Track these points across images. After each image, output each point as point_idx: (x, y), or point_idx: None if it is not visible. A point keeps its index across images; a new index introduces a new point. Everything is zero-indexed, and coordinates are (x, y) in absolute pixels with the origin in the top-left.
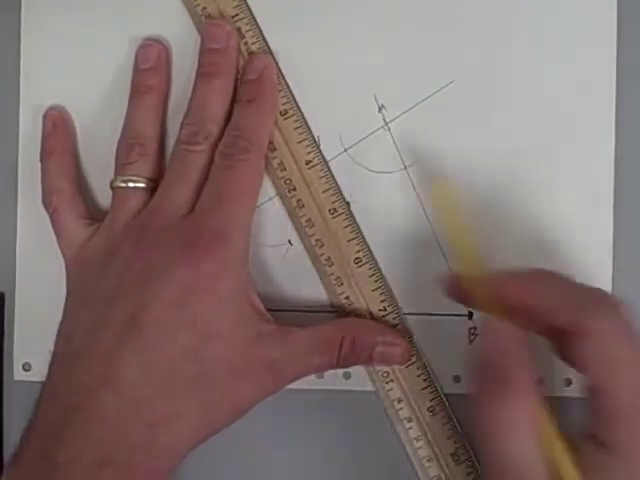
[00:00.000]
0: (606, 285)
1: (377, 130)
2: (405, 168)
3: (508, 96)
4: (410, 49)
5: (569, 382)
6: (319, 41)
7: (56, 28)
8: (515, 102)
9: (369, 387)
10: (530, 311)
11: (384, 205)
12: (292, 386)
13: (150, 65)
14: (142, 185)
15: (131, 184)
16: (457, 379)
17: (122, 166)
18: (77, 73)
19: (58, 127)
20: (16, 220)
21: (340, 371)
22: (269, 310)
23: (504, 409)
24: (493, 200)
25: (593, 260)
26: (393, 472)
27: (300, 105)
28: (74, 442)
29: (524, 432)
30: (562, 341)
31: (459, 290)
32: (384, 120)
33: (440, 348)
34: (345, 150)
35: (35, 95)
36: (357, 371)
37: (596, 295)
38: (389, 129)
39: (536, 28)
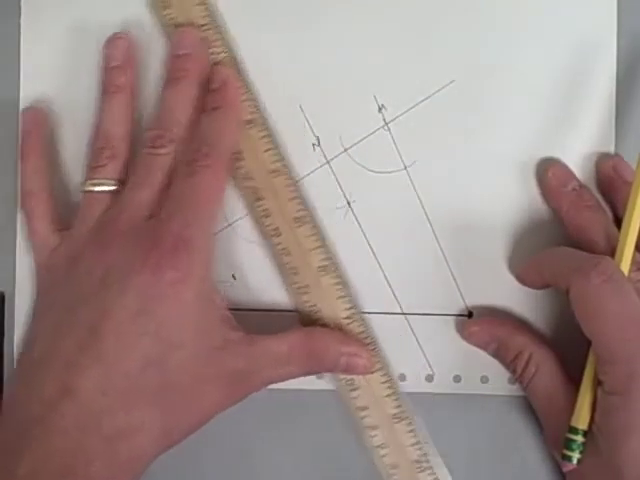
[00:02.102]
0: None
1: (377, 130)
2: (405, 168)
3: (508, 96)
4: (410, 49)
5: None
6: (319, 41)
7: (56, 28)
8: (515, 102)
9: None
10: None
11: (384, 205)
12: (292, 386)
13: (118, 62)
14: (111, 188)
15: (100, 187)
16: (457, 379)
17: (92, 169)
18: (77, 74)
19: (35, 127)
20: (16, 220)
21: None
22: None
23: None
24: (493, 199)
25: None
26: None
27: (302, 106)
28: (34, 455)
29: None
30: None
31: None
32: (384, 120)
33: (440, 348)
34: (345, 150)
35: (35, 95)
36: None
37: (582, 258)
38: (389, 129)
39: (536, 28)
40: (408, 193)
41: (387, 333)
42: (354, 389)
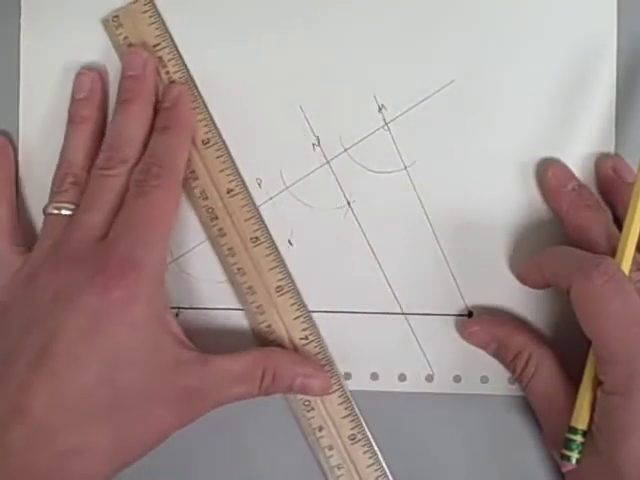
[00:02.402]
0: None
1: (377, 130)
2: (405, 168)
3: (508, 96)
4: (410, 49)
5: None
6: (319, 41)
7: (55, 30)
8: (515, 102)
9: (370, 387)
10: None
11: (384, 205)
12: None
13: (84, 95)
14: (70, 212)
15: (62, 211)
16: (457, 379)
17: (55, 193)
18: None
19: (1, 152)
20: None
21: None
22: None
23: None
24: (493, 199)
25: None
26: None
27: (302, 106)
28: None
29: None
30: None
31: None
32: (384, 120)
33: (440, 348)
34: (345, 150)
35: (35, 101)
36: (357, 371)
37: (584, 258)
38: (389, 129)
39: (536, 28)
40: (408, 193)
41: (387, 333)
42: (310, 409)
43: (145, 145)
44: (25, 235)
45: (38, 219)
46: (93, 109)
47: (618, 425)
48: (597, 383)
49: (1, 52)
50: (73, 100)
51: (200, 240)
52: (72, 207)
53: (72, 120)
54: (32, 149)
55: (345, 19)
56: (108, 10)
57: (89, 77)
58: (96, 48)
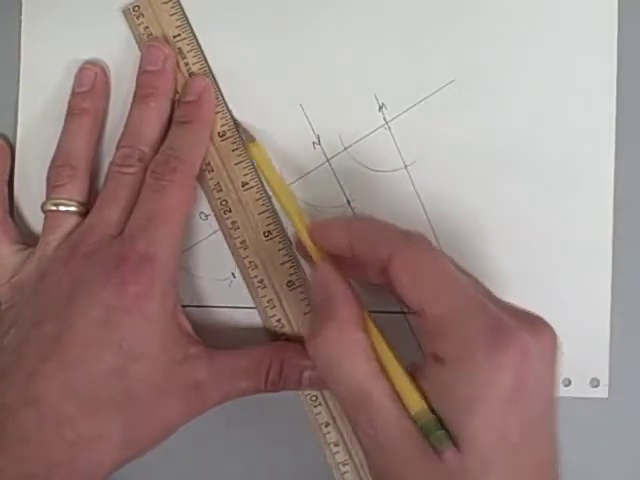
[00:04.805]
0: (605, 286)
1: (377, 129)
2: (405, 167)
3: (508, 96)
4: (410, 49)
5: (568, 382)
6: (320, 40)
7: (56, 28)
8: (515, 102)
9: None
10: (354, 258)
11: (384, 204)
12: None
13: (86, 88)
14: (73, 209)
15: (62, 207)
16: None
17: (52, 188)
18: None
19: None
20: None
21: None
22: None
23: (331, 344)
24: (493, 199)
25: (592, 265)
26: None
27: (303, 105)
28: None
29: (355, 360)
30: (389, 281)
31: (302, 247)
32: (384, 119)
33: None
34: (345, 149)
35: (35, 99)
36: None
37: (400, 231)
38: (389, 128)
39: (536, 28)
40: (408, 192)
41: (386, 332)
42: (318, 405)
43: (162, 142)
44: (22, 233)
45: (37, 217)
46: (94, 102)
47: (461, 398)
48: (425, 363)
49: (1, 50)
50: (74, 93)
51: (199, 238)
52: (73, 204)
53: (71, 112)
54: (31, 148)
55: (346, 18)
56: (109, 5)
57: (92, 71)
58: (98, 44)
